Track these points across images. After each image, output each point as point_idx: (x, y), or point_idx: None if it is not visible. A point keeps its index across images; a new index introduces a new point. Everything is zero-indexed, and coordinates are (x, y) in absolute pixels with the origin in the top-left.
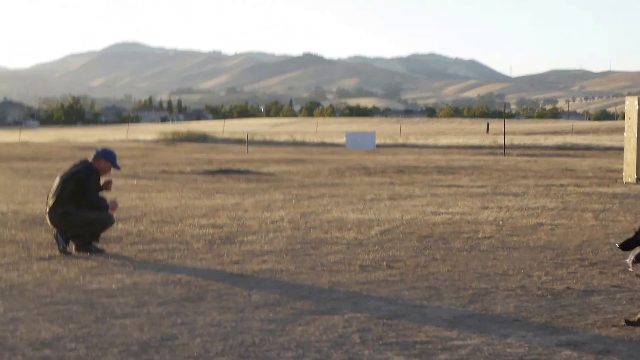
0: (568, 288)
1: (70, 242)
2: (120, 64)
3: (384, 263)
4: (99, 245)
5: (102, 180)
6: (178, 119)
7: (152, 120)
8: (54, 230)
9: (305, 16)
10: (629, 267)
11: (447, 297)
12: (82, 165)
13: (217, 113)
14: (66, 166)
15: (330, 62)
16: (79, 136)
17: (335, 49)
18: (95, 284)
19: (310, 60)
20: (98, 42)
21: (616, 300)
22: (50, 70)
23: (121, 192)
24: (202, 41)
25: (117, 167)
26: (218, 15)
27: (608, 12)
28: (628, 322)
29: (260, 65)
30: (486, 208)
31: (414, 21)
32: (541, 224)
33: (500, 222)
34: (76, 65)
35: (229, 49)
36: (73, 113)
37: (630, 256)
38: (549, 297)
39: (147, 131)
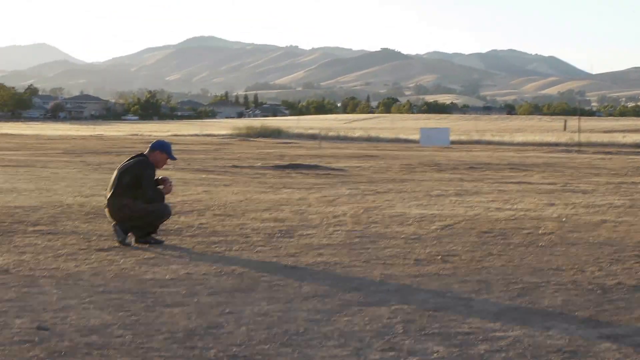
0: (619, 283)
1: (130, 234)
2: (197, 58)
3: (439, 257)
4: (158, 237)
5: (160, 176)
6: (254, 114)
7: (229, 116)
8: (113, 222)
9: (382, 11)
10: None
11: (496, 290)
12: (138, 158)
13: (294, 108)
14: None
15: (408, 58)
16: (153, 130)
17: (413, 44)
18: (149, 274)
19: (388, 56)
20: (175, 36)
21: None
22: (126, 65)
23: (188, 186)
24: (279, 36)
25: (173, 157)
26: (295, 9)
27: None
28: None
29: (337, 60)
30: (552, 205)
31: (493, 17)
32: (605, 221)
33: (564, 219)
34: (153, 60)
35: (305, 44)
36: (149, 107)
37: None
38: (599, 291)
39: (222, 126)
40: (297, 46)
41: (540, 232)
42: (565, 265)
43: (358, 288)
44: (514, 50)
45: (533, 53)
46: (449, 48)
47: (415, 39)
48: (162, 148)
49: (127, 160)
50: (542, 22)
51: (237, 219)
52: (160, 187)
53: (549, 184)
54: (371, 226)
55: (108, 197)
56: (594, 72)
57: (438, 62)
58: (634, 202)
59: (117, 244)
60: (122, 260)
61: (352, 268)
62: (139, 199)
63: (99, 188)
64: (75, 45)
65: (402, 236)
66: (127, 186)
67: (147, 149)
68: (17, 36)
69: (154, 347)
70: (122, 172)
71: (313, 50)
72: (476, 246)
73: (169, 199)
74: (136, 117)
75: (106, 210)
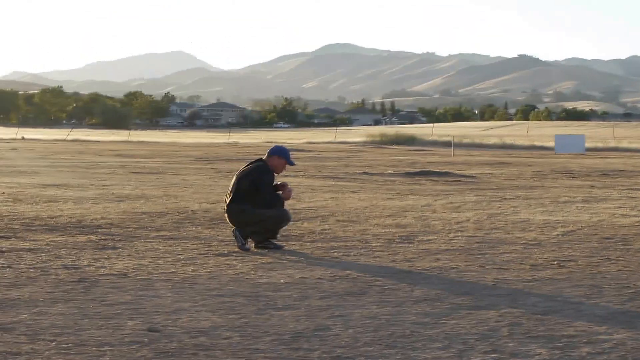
0: None
1: (249, 239)
2: (333, 65)
3: (555, 262)
4: (278, 242)
5: (279, 181)
6: (391, 122)
7: (365, 123)
8: (233, 227)
9: (519, 18)
10: None
11: (607, 295)
12: (257, 163)
13: (431, 116)
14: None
15: (546, 65)
16: (288, 138)
17: (550, 51)
18: (264, 279)
19: (525, 63)
20: (310, 43)
21: None
22: (263, 72)
23: (316, 193)
24: (415, 42)
25: (291, 163)
26: (431, 16)
27: None
28: None
29: (475, 67)
30: None
31: (632, 22)
32: None
33: None
34: (289, 67)
35: (442, 51)
36: (286, 115)
37: None
38: None
39: (356, 134)
40: (434, 53)
41: None
42: None
43: (469, 292)
44: None
45: None
46: (587, 54)
47: (553, 45)
48: (280, 153)
49: (246, 166)
50: None
51: (359, 225)
52: (279, 192)
53: None
54: (492, 232)
55: (227, 202)
56: None
57: (577, 69)
58: None
59: (236, 249)
60: (239, 265)
61: (467, 273)
62: (258, 205)
63: (225, 195)
64: (211, 52)
65: (522, 242)
66: (245, 192)
67: (266, 155)
68: (153, 44)
69: (260, 349)
70: (241, 178)
71: (450, 57)
72: (595, 252)
73: (293, 205)
74: (287, 125)
75: (225, 215)
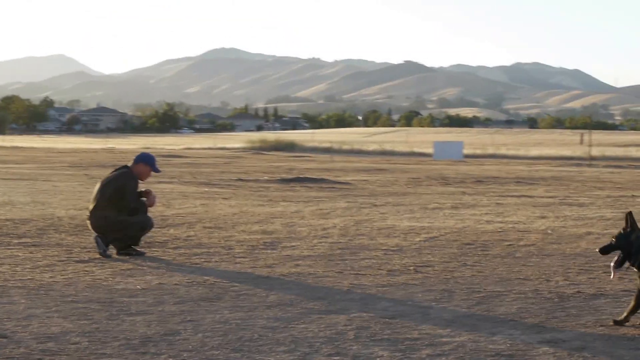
0: (579, 292)
1: (111, 246)
2: (218, 70)
3: (412, 268)
4: (140, 249)
5: (143, 188)
6: (274, 128)
7: (248, 129)
8: (94, 234)
9: (406, 23)
10: (611, 272)
11: (457, 299)
12: (122, 170)
13: (314, 122)
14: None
15: (432, 71)
16: (168, 144)
17: (436, 57)
18: (121, 285)
19: (411, 69)
20: (195, 48)
21: (619, 303)
22: (146, 76)
23: (187, 199)
24: (301, 48)
25: (157, 170)
26: (317, 21)
27: None
28: (615, 322)
29: (360, 73)
30: (543, 217)
31: (517, 30)
32: (589, 233)
33: (550, 231)
34: (172, 72)
35: (328, 56)
36: (167, 120)
37: (612, 263)
38: (556, 299)
39: (238, 139)
40: (320, 58)
41: (521, 243)
42: (534, 275)
43: (323, 297)
44: (538, 63)
45: (557, 66)
46: (473, 61)
47: (439, 51)
48: (145, 160)
49: (111, 173)
50: (567, 35)
51: (225, 232)
52: (144, 199)
53: (549, 197)
54: (357, 238)
55: (90, 209)
56: (618, 86)
57: (462, 75)
58: None
59: (98, 256)
60: (98, 272)
61: (324, 278)
62: (121, 211)
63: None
64: (93, 56)
65: (384, 248)
66: (109, 198)
67: (132, 162)
68: (33, 47)
69: (107, 353)
70: (105, 185)
71: (336, 62)
72: (453, 257)
73: (162, 211)
74: (192, 130)
75: (88, 222)
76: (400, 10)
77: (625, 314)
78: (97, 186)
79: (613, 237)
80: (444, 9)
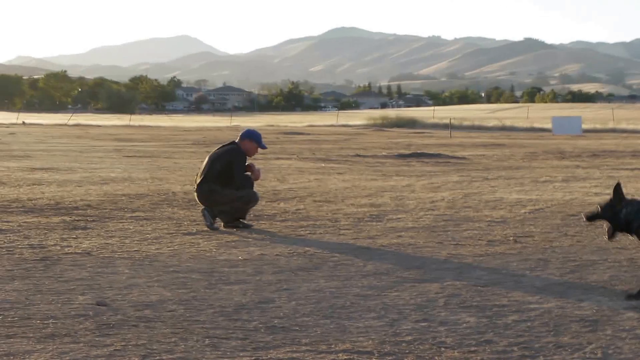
0: None
1: (218, 219)
2: (340, 49)
3: (512, 238)
4: (247, 222)
5: (249, 160)
6: (398, 105)
7: (372, 106)
8: (202, 207)
9: (524, 1)
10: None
11: (551, 267)
12: (230, 146)
13: (437, 99)
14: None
15: (552, 48)
16: (292, 121)
17: (556, 34)
18: (224, 256)
19: (531, 46)
20: (316, 27)
21: None
22: (269, 56)
23: (303, 174)
24: (421, 26)
25: (263, 146)
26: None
27: None
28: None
29: (481, 50)
30: None
31: (637, 5)
32: None
33: None
34: (295, 51)
35: (448, 34)
36: (292, 99)
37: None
38: None
39: (360, 117)
40: (440, 36)
41: None
42: (633, 244)
43: (420, 266)
44: None
45: None
46: (592, 37)
47: (559, 28)
48: (251, 137)
49: (219, 148)
50: None
51: (334, 205)
52: (248, 173)
53: None
54: (462, 210)
55: (198, 182)
56: None
57: (582, 52)
58: None
59: (205, 229)
60: (203, 243)
61: (423, 248)
62: (228, 186)
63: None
64: (218, 36)
65: (488, 219)
66: (218, 173)
67: (238, 138)
68: (159, 29)
69: (200, 320)
70: (215, 159)
71: (456, 40)
72: (555, 228)
73: (275, 186)
74: (335, 109)
75: (195, 195)
76: None
77: None
78: (206, 160)
79: (599, 206)
80: None
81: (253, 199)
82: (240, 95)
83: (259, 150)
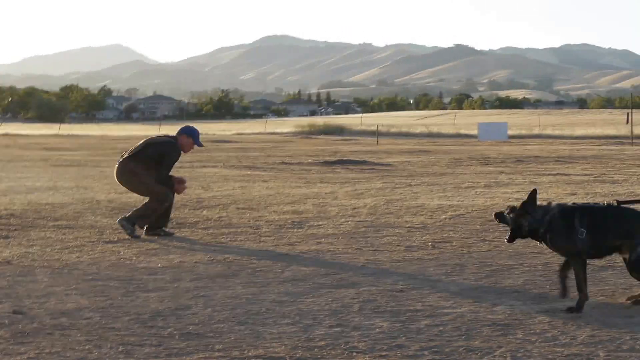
0: (588, 264)
1: (137, 227)
2: (271, 57)
3: (430, 244)
4: (168, 230)
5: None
6: (327, 112)
7: (301, 114)
8: (118, 218)
9: (455, 6)
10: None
11: (467, 272)
12: (169, 139)
13: (366, 106)
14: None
15: (482, 54)
16: (220, 129)
17: (486, 40)
18: (144, 263)
19: (461, 52)
20: (248, 35)
21: (625, 274)
22: (201, 64)
23: (228, 182)
24: (352, 33)
25: (199, 144)
26: (367, 6)
27: None
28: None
29: (411, 57)
30: (573, 194)
31: (565, 11)
32: None
33: None
34: (227, 59)
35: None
36: (222, 107)
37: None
38: None
39: (287, 125)
40: (371, 43)
41: None
42: (549, 249)
43: (337, 273)
44: (588, 44)
45: (607, 47)
46: (522, 43)
47: (489, 34)
48: (189, 132)
49: (159, 137)
50: (616, 15)
51: (257, 212)
52: (173, 179)
53: (585, 175)
54: (384, 217)
55: (124, 156)
56: None
57: (511, 57)
58: None
59: (127, 237)
60: (124, 251)
61: (342, 255)
62: (149, 175)
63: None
64: (150, 45)
65: (408, 225)
66: (148, 157)
67: (176, 132)
68: (91, 38)
69: (116, 327)
70: (149, 145)
71: (386, 47)
72: (474, 233)
73: (199, 194)
74: (275, 116)
75: (115, 171)
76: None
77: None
78: (141, 142)
79: (509, 210)
80: None
81: (167, 199)
82: (170, 104)
83: (195, 147)
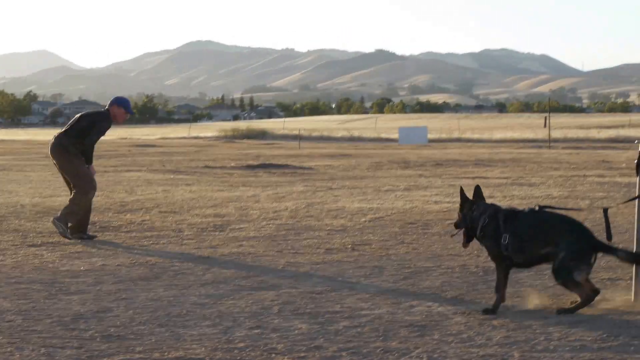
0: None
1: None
2: (195, 62)
3: (350, 246)
4: (91, 234)
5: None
6: (250, 117)
7: (225, 118)
8: (52, 218)
9: (376, 12)
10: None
11: (386, 274)
12: (101, 110)
13: (289, 110)
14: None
15: (403, 59)
16: (145, 134)
17: (407, 45)
18: (67, 267)
19: (382, 57)
20: (173, 41)
21: (540, 276)
22: (126, 70)
23: (151, 186)
24: (275, 39)
25: (131, 112)
26: (291, 12)
27: None
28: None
29: (333, 62)
30: (491, 197)
31: (485, 16)
32: None
33: None
34: (152, 64)
35: (302, 47)
36: (146, 111)
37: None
38: (480, 273)
39: (211, 129)
40: (294, 49)
41: None
42: (466, 251)
43: (257, 275)
44: (507, 49)
45: (525, 52)
46: (442, 48)
47: (410, 39)
48: (119, 103)
49: (92, 110)
50: (534, 21)
51: (179, 216)
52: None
53: (503, 178)
54: (304, 220)
55: (60, 132)
56: (585, 70)
57: (432, 62)
58: (572, 193)
59: (51, 240)
60: (47, 255)
61: (262, 257)
62: (79, 154)
63: (61, 189)
64: (75, 51)
65: (329, 228)
66: (81, 130)
67: (107, 104)
68: (17, 43)
69: (38, 330)
70: (82, 117)
71: (309, 52)
72: (393, 236)
73: (123, 198)
74: (210, 121)
75: (50, 147)
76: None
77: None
78: (75, 117)
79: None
80: None
81: (92, 187)
82: (95, 109)
83: (127, 117)
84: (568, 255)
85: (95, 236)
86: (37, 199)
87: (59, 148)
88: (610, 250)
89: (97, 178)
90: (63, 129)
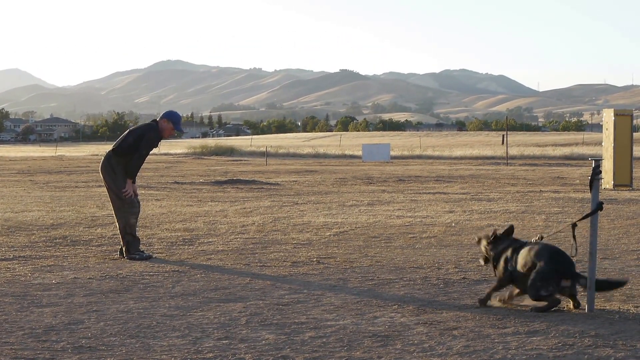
0: (464, 278)
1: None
2: (165, 81)
3: (315, 260)
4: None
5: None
6: (218, 134)
7: (194, 136)
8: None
9: (341, 34)
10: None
11: (350, 286)
12: (151, 122)
13: (256, 128)
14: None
15: (366, 78)
16: None
17: (370, 65)
18: (39, 280)
19: (347, 77)
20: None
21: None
22: (97, 88)
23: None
24: (243, 59)
25: (179, 129)
26: (258, 33)
27: (631, 28)
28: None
29: (299, 81)
30: (451, 212)
31: (445, 38)
32: (490, 225)
33: (454, 224)
34: (122, 83)
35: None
36: (117, 129)
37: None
38: (441, 285)
39: (180, 146)
40: (261, 68)
41: (424, 236)
42: (427, 264)
43: (226, 287)
44: (466, 70)
45: (484, 72)
46: (404, 68)
47: (373, 60)
48: (169, 117)
49: (141, 124)
50: (492, 42)
51: (150, 230)
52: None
53: (462, 193)
54: (271, 234)
55: (110, 150)
56: (540, 90)
57: (394, 82)
58: (529, 208)
59: (22, 254)
60: (19, 268)
61: (230, 270)
62: (126, 172)
63: (33, 205)
64: (47, 70)
65: (295, 242)
66: (128, 146)
67: (158, 116)
68: None
69: (10, 342)
70: (131, 132)
71: (276, 72)
72: (357, 249)
73: (94, 212)
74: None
75: (101, 163)
76: (334, 22)
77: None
78: (124, 133)
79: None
80: (376, 17)
81: (131, 215)
82: (67, 126)
83: (174, 133)
84: (537, 276)
85: (152, 255)
86: (8, 213)
87: (108, 170)
88: (575, 277)
89: (68, 193)
90: (112, 147)
